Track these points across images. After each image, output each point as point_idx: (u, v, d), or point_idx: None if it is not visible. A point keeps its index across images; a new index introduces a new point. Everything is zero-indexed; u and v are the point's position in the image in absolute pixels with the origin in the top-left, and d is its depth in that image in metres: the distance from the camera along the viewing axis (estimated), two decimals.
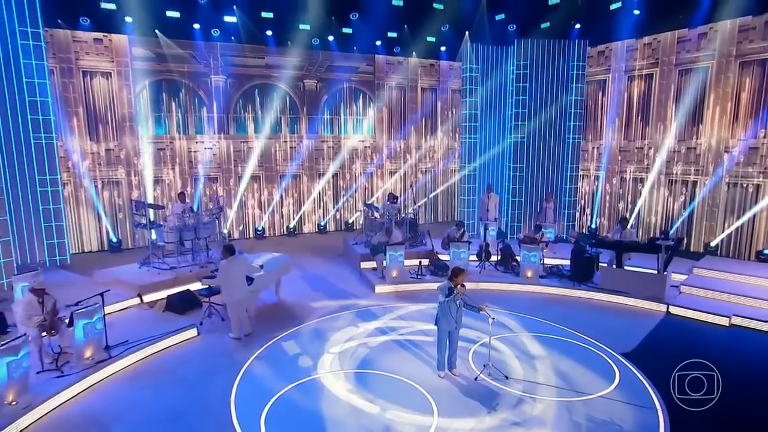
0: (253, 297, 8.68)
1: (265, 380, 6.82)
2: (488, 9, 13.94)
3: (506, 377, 6.81)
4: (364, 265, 11.76)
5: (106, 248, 13.62)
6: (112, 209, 13.73)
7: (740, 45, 11.63)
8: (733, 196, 12.15)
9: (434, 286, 10.51)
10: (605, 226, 15.25)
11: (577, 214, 15.67)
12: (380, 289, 10.58)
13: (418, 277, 11.04)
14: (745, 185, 11.92)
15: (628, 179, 14.61)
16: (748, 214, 11.74)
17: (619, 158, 14.80)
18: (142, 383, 6.81)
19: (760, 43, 11.28)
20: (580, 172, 15.31)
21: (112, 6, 11.88)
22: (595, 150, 15.49)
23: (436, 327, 6.83)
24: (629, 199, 14.58)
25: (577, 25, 14.19)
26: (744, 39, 11.54)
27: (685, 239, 12.83)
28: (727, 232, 12.19)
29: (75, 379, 6.58)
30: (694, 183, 12.98)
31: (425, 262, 11.57)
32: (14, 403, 5.89)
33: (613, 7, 12.99)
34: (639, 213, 14.23)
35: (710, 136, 12.52)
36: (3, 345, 5.85)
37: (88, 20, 12.43)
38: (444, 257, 11.66)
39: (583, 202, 15.91)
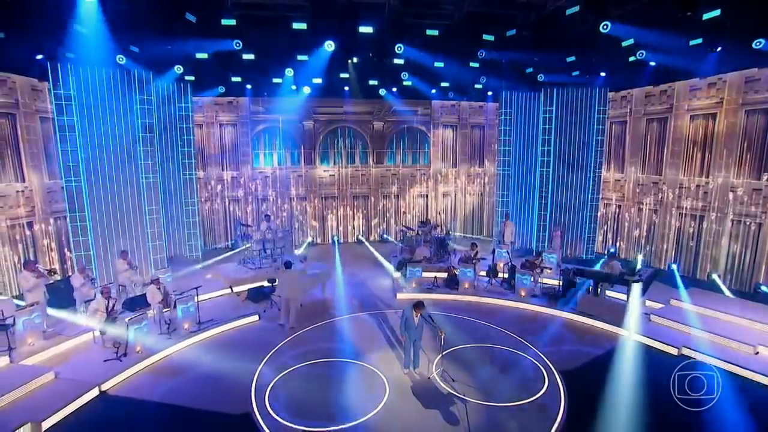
0: (301, 296, 9.69)
1: (283, 360, 8.01)
2: (516, 64, 13.84)
3: (453, 380, 7.20)
4: (396, 274, 12.41)
5: (229, 245, 16.26)
6: (234, 218, 16.32)
7: (746, 95, 10.35)
8: (737, 231, 10.88)
9: (445, 296, 11.21)
10: (623, 248, 14.30)
11: (600, 238, 14.86)
12: (401, 296, 11.14)
13: (432, 288, 11.56)
14: (748, 223, 10.61)
15: (644, 209, 13.54)
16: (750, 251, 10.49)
17: (637, 191, 13.76)
18: (214, 349, 8.49)
19: (764, 94, 9.97)
20: (602, 201, 14.50)
21: (238, 79, 14.29)
22: (616, 182, 14.52)
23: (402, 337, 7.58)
24: (644, 227, 13.53)
25: (602, 74, 13.48)
26: (750, 89, 10.25)
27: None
28: (728, 264, 10.98)
29: (176, 342, 8.54)
30: (701, 217, 11.75)
31: (443, 275, 12.01)
32: (140, 351, 8.05)
33: (631, 59, 12.18)
34: (652, 240, 13.18)
35: (717, 176, 11.29)
36: (131, 318, 8.10)
37: (224, 89, 15.03)
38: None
39: (606, 227, 15.02)
